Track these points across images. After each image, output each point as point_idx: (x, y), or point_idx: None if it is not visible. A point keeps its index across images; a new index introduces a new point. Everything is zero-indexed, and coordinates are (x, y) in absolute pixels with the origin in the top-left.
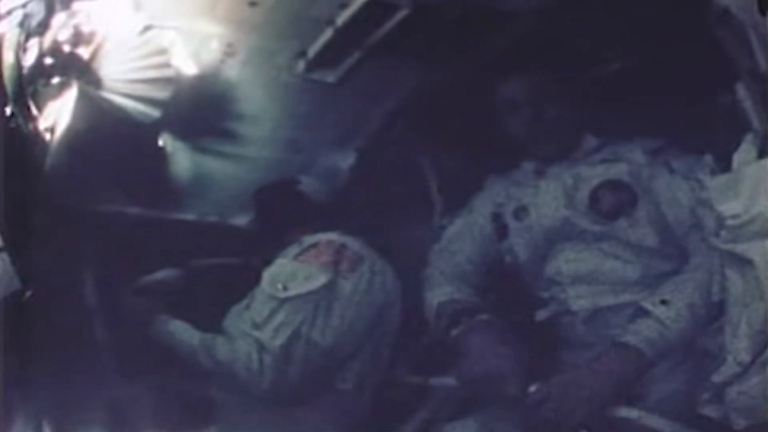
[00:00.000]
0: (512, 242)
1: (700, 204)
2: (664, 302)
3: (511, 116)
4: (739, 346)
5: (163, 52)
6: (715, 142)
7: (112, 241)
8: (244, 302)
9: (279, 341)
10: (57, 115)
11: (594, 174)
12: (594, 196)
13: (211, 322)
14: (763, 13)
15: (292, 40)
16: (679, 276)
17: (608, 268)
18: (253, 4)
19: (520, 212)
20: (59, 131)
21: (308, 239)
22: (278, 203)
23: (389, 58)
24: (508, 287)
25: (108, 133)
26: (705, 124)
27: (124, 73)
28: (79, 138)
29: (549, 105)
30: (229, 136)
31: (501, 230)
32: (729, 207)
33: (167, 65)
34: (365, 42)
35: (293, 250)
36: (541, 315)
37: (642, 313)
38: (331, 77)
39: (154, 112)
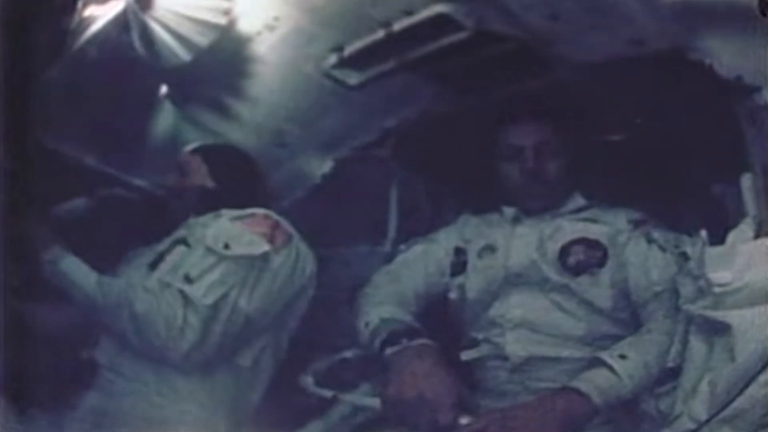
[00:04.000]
0: (466, 279)
1: (680, 273)
2: (622, 357)
3: (510, 161)
4: (695, 406)
5: None
6: (709, 222)
7: (55, 185)
8: (157, 248)
9: (209, 300)
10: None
11: (573, 230)
12: (565, 249)
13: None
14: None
15: (338, 32)
16: (636, 336)
17: (555, 320)
18: None
19: (486, 251)
20: (79, 41)
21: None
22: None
23: (417, 75)
24: (443, 322)
25: (119, 66)
26: (700, 206)
27: (179, 3)
28: (89, 57)
29: (550, 159)
30: (222, 112)
31: (459, 266)
32: (720, 276)
33: (223, 12)
34: (408, 53)
35: (230, 212)
36: (467, 355)
37: (599, 363)
38: (353, 79)
39: (186, 56)
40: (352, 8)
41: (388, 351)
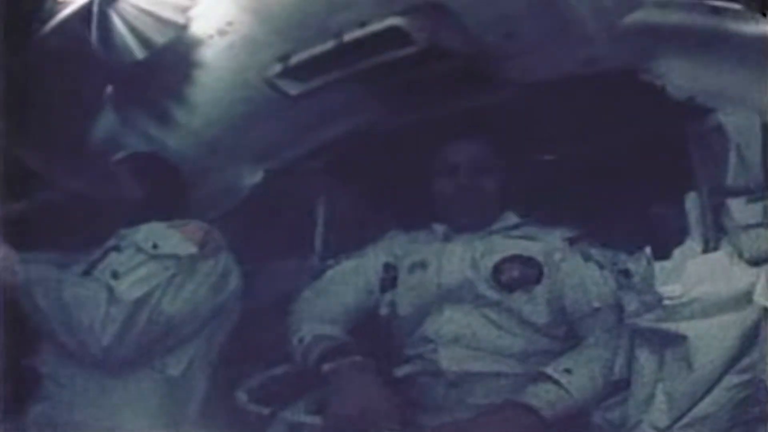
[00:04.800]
0: (396, 295)
1: (623, 289)
2: (567, 371)
3: (444, 178)
4: (654, 414)
5: None
6: (653, 240)
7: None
8: (90, 258)
9: (132, 296)
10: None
11: (506, 246)
12: (499, 266)
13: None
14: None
15: (289, 41)
16: (578, 351)
17: (489, 336)
18: None
19: (417, 267)
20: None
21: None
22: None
23: (361, 89)
24: (375, 339)
25: (74, 61)
26: (643, 224)
27: None
28: (49, 47)
29: (484, 177)
30: (162, 117)
31: (389, 282)
32: (670, 289)
33: (182, 10)
34: (355, 66)
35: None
36: (401, 371)
37: (543, 378)
38: (294, 89)
39: (140, 54)
40: (307, 17)
41: (325, 368)
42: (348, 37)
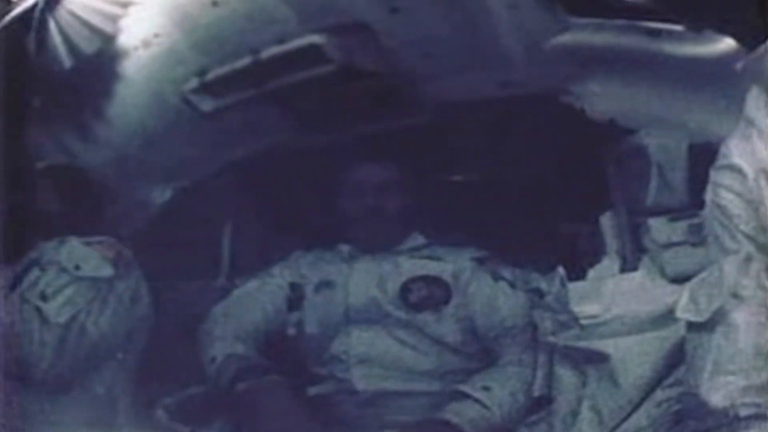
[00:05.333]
0: (303, 315)
1: (537, 308)
2: (486, 388)
3: (351, 199)
4: (584, 428)
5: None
6: (566, 259)
7: None
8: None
9: (62, 319)
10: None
11: (414, 267)
12: (407, 286)
13: None
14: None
15: (208, 56)
16: (494, 369)
17: (400, 355)
18: (215, 4)
19: (324, 287)
20: None
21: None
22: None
23: (274, 107)
24: (287, 357)
25: (12, 67)
26: (556, 244)
27: (79, 4)
28: None
29: (392, 198)
30: (80, 130)
31: (295, 301)
32: (587, 309)
33: (112, 19)
34: (270, 83)
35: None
36: (314, 391)
37: (461, 396)
38: (207, 106)
39: (68, 62)
40: (229, 32)
41: (239, 388)
42: (266, 54)
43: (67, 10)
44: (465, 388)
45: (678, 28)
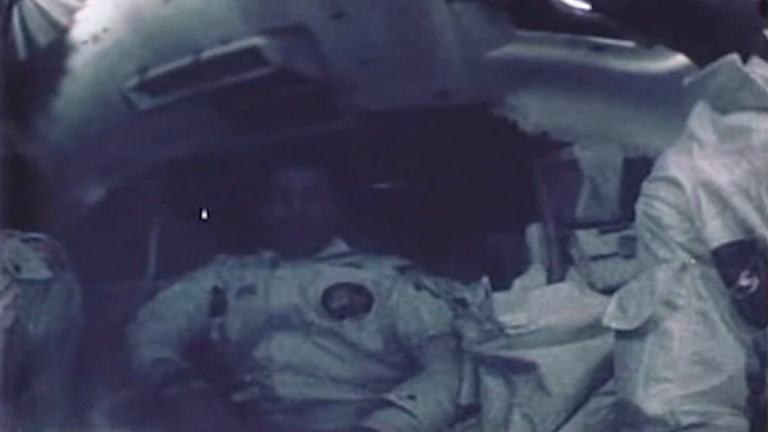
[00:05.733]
0: (226, 320)
1: (461, 318)
2: (411, 397)
3: (275, 204)
4: None
5: None
6: (491, 270)
7: None
8: None
9: (6, 323)
10: None
11: (335, 274)
12: (328, 293)
13: None
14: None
15: (152, 53)
16: (419, 377)
17: (322, 362)
18: (166, 1)
19: (246, 292)
20: None
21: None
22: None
23: (210, 108)
24: (212, 362)
25: None
26: (481, 254)
27: None
28: None
29: (315, 204)
30: (26, 125)
31: (218, 306)
32: (513, 318)
33: (69, 11)
34: (208, 84)
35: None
36: (239, 397)
37: (387, 405)
38: (144, 104)
39: (23, 53)
40: (174, 30)
41: (167, 393)
42: (207, 54)
43: (33, 0)
44: (391, 396)
45: (628, 44)
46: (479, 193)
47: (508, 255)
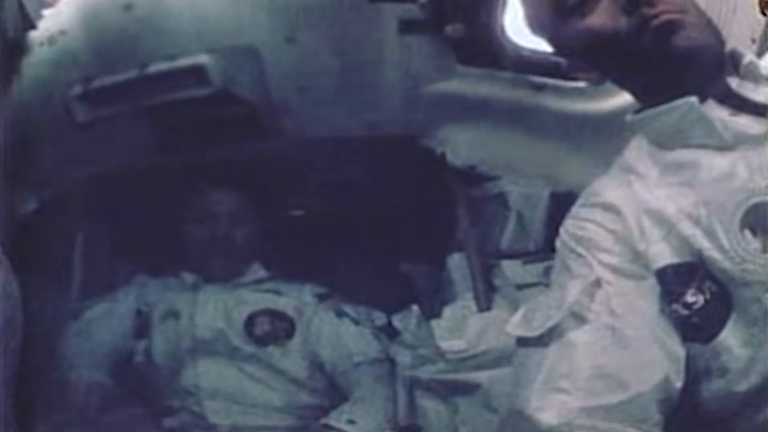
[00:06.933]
0: (150, 344)
1: (393, 344)
2: (351, 421)
3: (198, 226)
4: None
5: None
6: (419, 298)
7: None
8: None
9: None
10: None
11: (256, 299)
12: (250, 320)
13: None
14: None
15: (102, 62)
16: (352, 403)
17: (249, 389)
18: (127, 8)
19: (169, 316)
20: None
21: None
22: None
23: (146, 125)
24: (137, 387)
25: None
26: (404, 282)
27: None
28: None
29: (236, 228)
30: None
31: (141, 329)
32: (452, 344)
33: (43, 5)
34: (149, 99)
35: None
36: (170, 423)
37: (328, 429)
38: (82, 116)
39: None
40: (128, 41)
41: (106, 419)
42: (152, 69)
43: None
44: (331, 421)
45: (569, 84)
46: (401, 222)
47: (429, 284)
